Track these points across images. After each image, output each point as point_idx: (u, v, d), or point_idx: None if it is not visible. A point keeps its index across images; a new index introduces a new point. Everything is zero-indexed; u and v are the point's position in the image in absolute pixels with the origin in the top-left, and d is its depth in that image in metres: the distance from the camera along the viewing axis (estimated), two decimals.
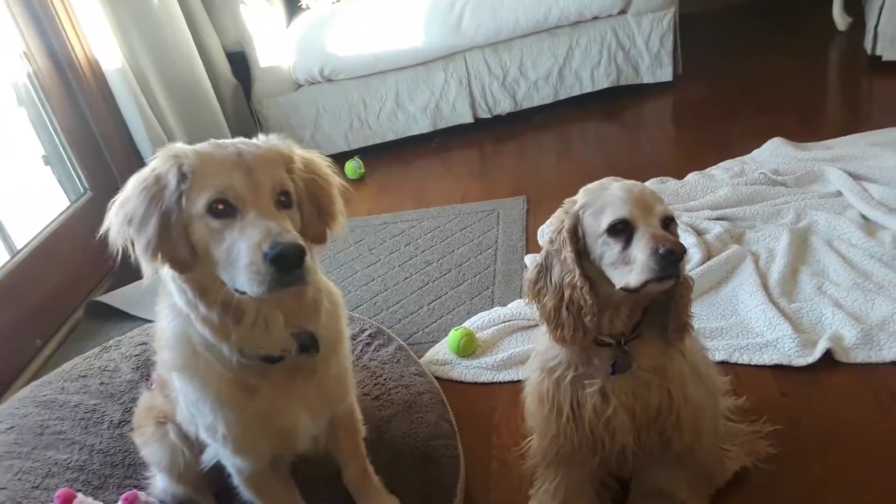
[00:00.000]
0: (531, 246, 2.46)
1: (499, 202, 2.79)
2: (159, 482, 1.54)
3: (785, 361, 1.71)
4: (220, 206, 1.02)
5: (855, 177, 2.32)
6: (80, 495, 1.49)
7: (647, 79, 3.46)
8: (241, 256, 1.00)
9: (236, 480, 1.32)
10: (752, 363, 1.74)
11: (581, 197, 1.16)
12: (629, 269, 1.06)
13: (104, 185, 2.88)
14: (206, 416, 1.20)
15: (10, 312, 2.35)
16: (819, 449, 1.49)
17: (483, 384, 1.89)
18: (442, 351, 2.01)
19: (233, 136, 1.26)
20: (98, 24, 2.80)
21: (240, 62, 3.54)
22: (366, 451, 1.47)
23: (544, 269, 1.19)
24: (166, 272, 1.11)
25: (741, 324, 1.87)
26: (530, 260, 2.35)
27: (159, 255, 1.06)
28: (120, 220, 1.07)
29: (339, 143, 3.57)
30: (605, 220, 1.09)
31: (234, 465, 1.29)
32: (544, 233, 2.48)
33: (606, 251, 1.10)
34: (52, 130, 2.78)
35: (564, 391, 1.22)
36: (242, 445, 1.22)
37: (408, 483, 1.52)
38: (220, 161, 1.05)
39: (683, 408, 1.19)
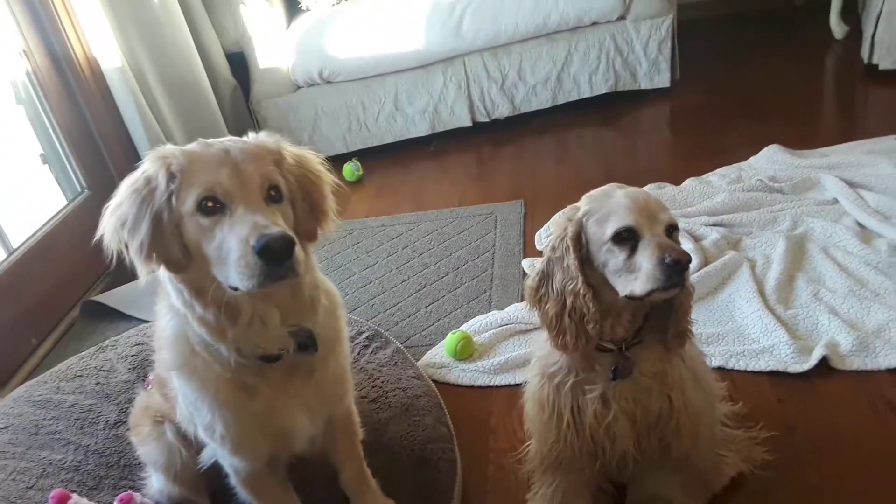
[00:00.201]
0: (528, 250, 2.47)
1: (496, 206, 2.80)
2: (155, 483, 1.54)
3: (781, 368, 1.72)
4: (210, 204, 1.03)
5: (851, 184, 2.33)
6: (74, 496, 1.48)
7: (644, 85, 3.47)
8: (231, 252, 1.00)
9: (234, 481, 1.32)
10: (748, 369, 1.75)
11: (584, 204, 1.16)
12: (634, 277, 1.07)
13: (102, 184, 2.88)
14: (204, 416, 1.20)
15: (5, 311, 2.34)
16: (815, 455, 1.50)
17: (480, 388, 1.89)
18: (439, 354, 2.01)
19: None
20: (98, 22, 2.80)
21: (239, 63, 3.54)
22: (363, 454, 1.47)
23: (546, 276, 1.19)
24: (163, 273, 1.11)
25: (737, 330, 1.87)
26: (527, 264, 2.35)
27: (153, 257, 1.06)
28: (113, 223, 1.08)
29: (338, 144, 3.57)
30: (610, 228, 1.09)
31: (231, 464, 1.29)
32: (542, 237, 2.49)
33: (611, 259, 1.10)
34: (50, 129, 2.77)
35: (565, 397, 1.22)
36: (240, 445, 1.22)
37: (405, 486, 1.52)
38: (207, 159, 1.06)
39: (683, 413, 1.20)
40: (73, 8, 2.79)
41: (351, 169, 3.33)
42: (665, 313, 1.19)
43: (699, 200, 2.48)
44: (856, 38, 3.42)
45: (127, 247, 1.08)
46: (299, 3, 3.61)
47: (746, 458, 1.46)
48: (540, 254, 2.43)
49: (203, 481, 1.49)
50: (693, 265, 2.10)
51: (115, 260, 1.11)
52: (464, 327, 2.08)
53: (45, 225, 2.65)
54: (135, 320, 2.47)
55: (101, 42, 2.83)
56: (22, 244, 2.52)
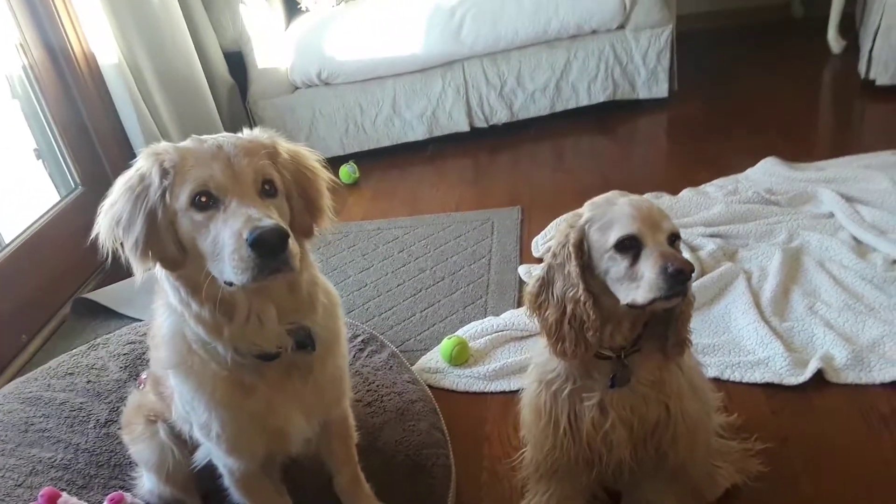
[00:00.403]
0: (525, 256, 2.47)
1: (493, 212, 2.80)
2: (146, 483, 1.52)
3: (776, 380, 1.72)
4: (203, 199, 1.03)
5: (847, 199, 2.34)
6: (64, 494, 1.46)
7: (643, 94, 3.48)
8: (225, 246, 1.00)
9: (227, 481, 1.31)
10: (743, 380, 1.75)
11: (587, 211, 1.16)
12: (636, 285, 1.06)
13: (96, 180, 2.86)
14: (200, 415, 1.19)
15: None
16: (808, 468, 1.50)
17: (475, 394, 1.89)
18: (434, 359, 2.00)
19: None
20: (96, 18, 2.78)
21: (237, 62, 3.52)
22: (357, 458, 1.46)
23: (546, 283, 1.19)
24: (159, 271, 1.10)
25: (733, 341, 1.88)
26: (524, 270, 2.35)
27: (149, 254, 1.06)
28: (108, 222, 1.07)
29: (334, 147, 3.56)
30: (613, 236, 1.09)
31: (226, 465, 1.28)
32: (538, 244, 2.49)
33: (613, 267, 1.10)
34: (45, 124, 2.75)
35: (562, 404, 1.22)
36: (236, 445, 1.21)
37: (399, 491, 1.51)
38: (200, 154, 1.05)
39: (680, 423, 1.20)
40: (72, 2, 2.77)
41: (347, 171, 3.32)
42: (664, 322, 1.20)
43: (696, 211, 2.49)
44: (853, 53, 3.45)
45: (122, 245, 1.08)
46: (299, 4, 3.61)
47: (741, 469, 1.46)
48: (536, 260, 2.43)
49: (195, 482, 1.48)
50: None
51: (110, 258, 1.10)
52: (459, 333, 2.07)
53: (37, 221, 2.62)
54: (126, 318, 2.45)
55: (98, 37, 2.81)
56: (14, 240, 2.50)
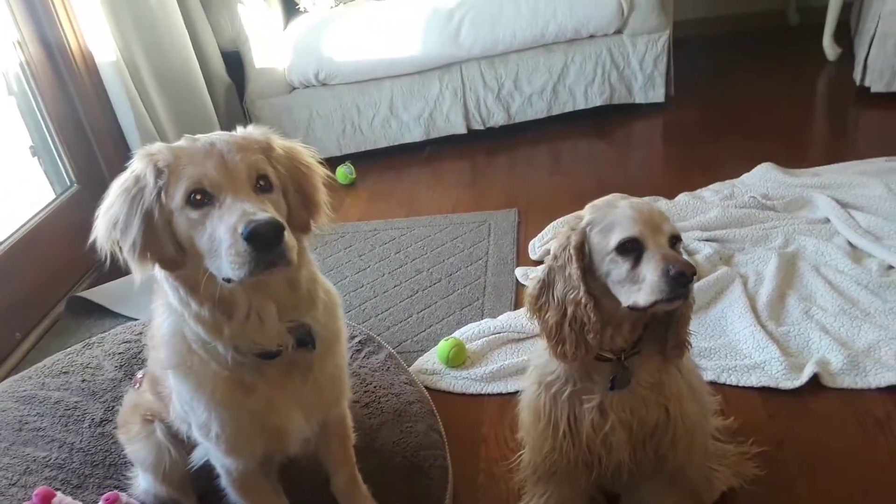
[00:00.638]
0: (522, 259, 2.47)
1: (490, 214, 2.80)
2: (142, 482, 1.51)
3: (772, 384, 1.73)
4: (198, 196, 1.03)
5: (843, 204, 2.36)
6: (59, 494, 1.45)
7: (639, 99, 3.50)
8: (222, 242, 0.99)
9: (225, 481, 1.30)
10: (739, 384, 1.75)
11: (588, 213, 1.16)
12: (637, 288, 1.07)
13: (91, 178, 2.84)
14: (199, 415, 1.18)
15: None
16: (804, 472, 1.51)
17: (471, 395, 1.89)
18: (431, 360, 2.00)
19: None
20: (93, 15, 2.76)
21: (235, 61, 3.51)
22: (355, 459, 1.46)
23: (546, 285, 1.19)
24: (158, 271, 1.10)
25: (729, 345, 1.88)
26: (521, 273, 2.35)
27: (147, 255, 1.06)
28: (105, 224, 1.07)
29: (331, 147, 3.55)
30: (615, 239, 1.09)
31: (224, 465, 1.27)
32: (535, 246, 2.49)
33: (614, 269, 1.10)
34: (41, 121, 2.73)
35: (562, 406, 1.22)
36: (235, 445, 1.21)
37: (396, 492, 1.51)
38: (193, 153, 1.06)
39: (680, 425, 1.20)
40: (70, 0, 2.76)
41: (344, 172, 3.31)
42: (664, 324, 1.20)
43: (692, 215, 2.50)
44: (848, 59, 3.48)
45: (120, 247, 1.08)
46: (297, 5, 3.60)
47: (737, 472, 1.47)
48: (533, 263, 2.43)
49: (191, 482, 1.47)
50: None
51: (109, 261, 1.10)
52: (456, 334, 2.07)
53: (32, 218, 2.61)
54: (121, 317, 2.44)
55: (96, 35, 2.80)
56: (8, 237, 2.48)
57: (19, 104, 2.72)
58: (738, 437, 1.55)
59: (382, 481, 1.52)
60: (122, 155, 2.87)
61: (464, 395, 1.89)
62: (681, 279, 1.03)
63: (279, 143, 1.16)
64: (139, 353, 2.03)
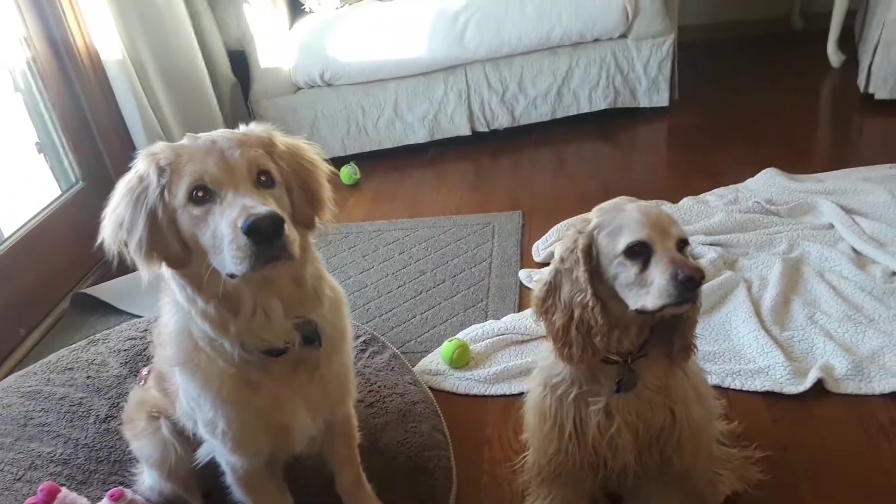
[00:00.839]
0: (526, 261, 2.47)
1: (494, 216, 2.80)
2: (147, 479, 1.52)
3: (776, 389, 1.73)
4: (200, 193, 1.04)
5: (847, 210, 2.36)
6: (63, 489, 1.46)
7: (643, 103, 3.50)
8: (224, 237, 1.00)
9: (230, 479, 1.31)
10: (743, 388, 1.76)
11: (595, 216, 1.16)
12: (646, 291, 1.07)
13: (96, 176, 2.85)
14: (206, 412, 1.19)
15: None
16: (808, 476, 1.51)
17: (475, 397, 1.89)
18: (435, 361, 2.00)
19: None
20: (100, 13, 2.77)
21: (240, 61, 3.52)
22: (360, 459, 1.46)
23: (553, 287, 1.19)
24: (165, 270, 1.11)
25: (734, 349, 1.89)
26: (525, 275, 2.36)
27: (153, 254, 1.07)
28: (111, 225, 1.09)
29: (336, 147, 3.56)
30: (623, 242, 1.09)
31: (229, 462, 1.28)
32: (539, 249, 2.50)
33: (622, 272, 1.10)
34: (47, 118, 2.75)
35: (568, 408, 1.22)
36: (241, 442, 1.21)
37: (400, 493, 1.52)
38: (194, 150, 1.07)
39: (685, 428, 1.20)
40: None
41: (348, 172, 3.32)
42: (671, 327, 1.20)
43: (697, 219, 2.50)
44: (852, 66, 3.48)
45: (127, 247, 1.09)
46: (303, 5, 3.61)
47: (741, 476, 1.47)
48: (537, 265, 2.43)
49: (197, 479, 1.47)
50: None
51: (116, 261, 1.11)
52: (460, 336, 2.07)
53: (37, 215, 2.61)
54: (125, 314, 2.45)
55: (102, 32, 2.80)
56: (13, 233, 2.49)
57: (26, 101, 2.73)
58: (742, 442, 1.55)
59: (386, 481, 1.52)
60: (127, 153, 2.84)
61: (467, 396, 1.90)
62: (689, 283, 1.03)
63: (282, 139, 1.17)
64: (144, 349, 2.03)
